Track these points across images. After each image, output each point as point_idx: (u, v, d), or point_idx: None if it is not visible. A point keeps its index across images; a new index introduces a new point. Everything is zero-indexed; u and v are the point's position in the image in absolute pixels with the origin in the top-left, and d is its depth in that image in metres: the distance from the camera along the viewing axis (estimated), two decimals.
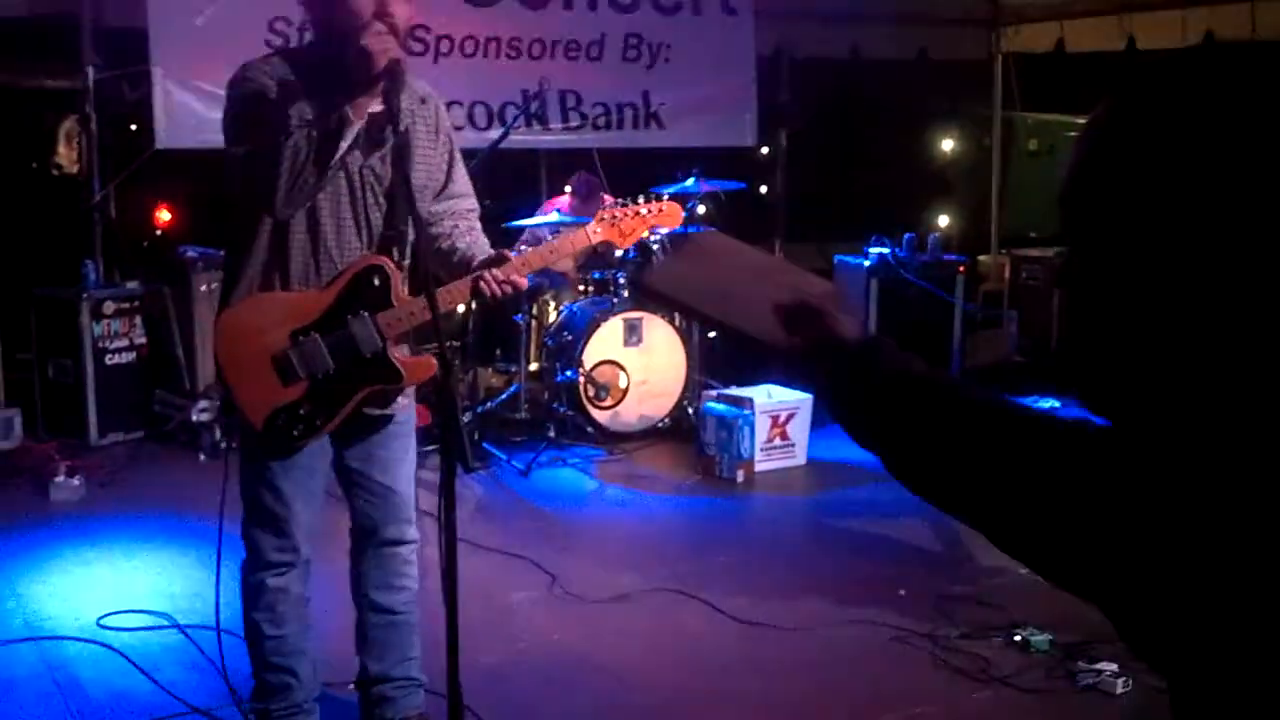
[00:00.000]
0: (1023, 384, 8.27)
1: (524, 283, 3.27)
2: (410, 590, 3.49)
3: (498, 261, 3.22)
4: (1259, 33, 8.53)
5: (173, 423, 6.89)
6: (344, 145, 2.96)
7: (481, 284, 3.19)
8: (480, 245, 3.35)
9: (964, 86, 11.95)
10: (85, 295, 6.81)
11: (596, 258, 7.32)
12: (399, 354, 3.23)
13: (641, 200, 3.52)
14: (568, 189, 7.87)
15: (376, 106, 3.05)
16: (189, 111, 7.20)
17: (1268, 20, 8.51)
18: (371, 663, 3.49)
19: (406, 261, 3.25)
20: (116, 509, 5.76)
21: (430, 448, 6.18)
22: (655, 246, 6.96)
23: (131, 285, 7.19)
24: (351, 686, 3.61)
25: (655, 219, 3.53)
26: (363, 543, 3.45)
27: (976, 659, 4.14)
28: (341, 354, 3.15)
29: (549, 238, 6.83)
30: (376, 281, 3.16)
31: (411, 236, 3.23)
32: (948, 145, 13.61)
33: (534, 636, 4.40)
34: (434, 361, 3.31)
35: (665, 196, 3.60)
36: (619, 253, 7.08)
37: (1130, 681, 3.92)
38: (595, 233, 3.46)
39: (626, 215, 3.47)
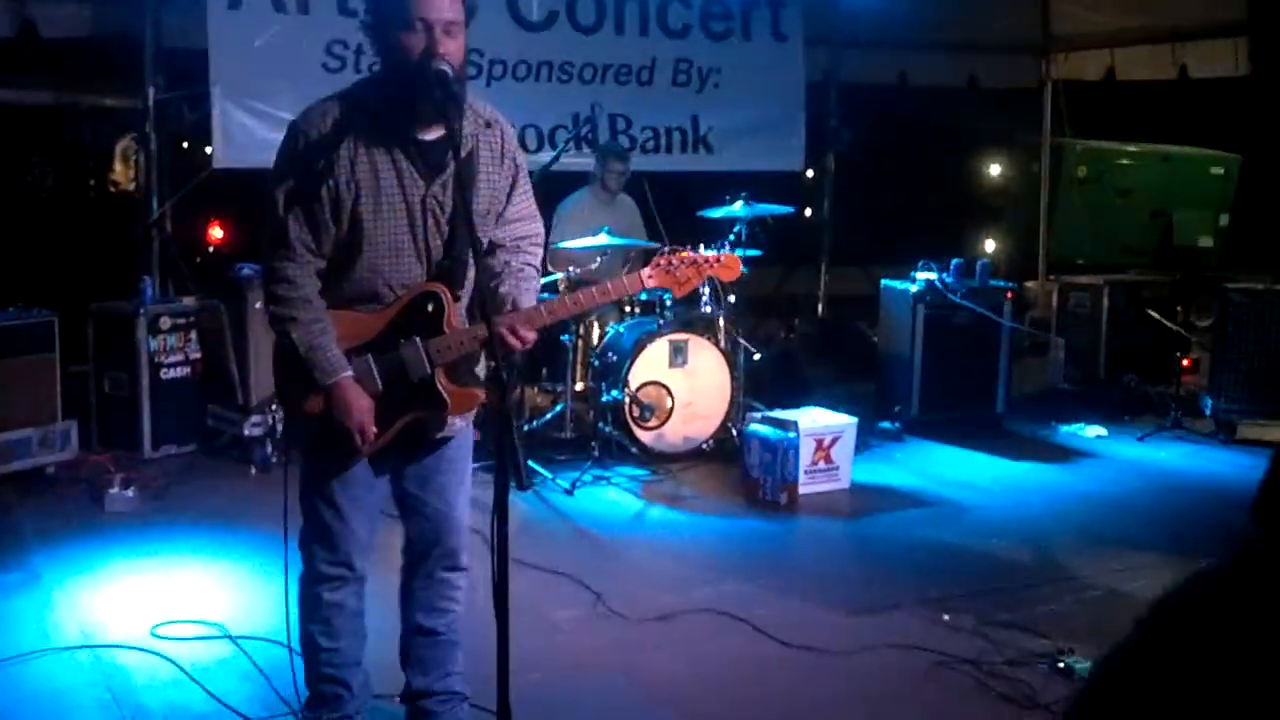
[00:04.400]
0: (1069, 411, 8.26)
1: (531, 337, 3.16)
2: (455, 613, 3.54)
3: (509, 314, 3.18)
4: None
5: (225, 437, 7.00)
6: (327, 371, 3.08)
7: (500, 338, 3.10)
8: (522, 289, 3.29)
9: (1014, 113, 11.93)
10: (142, 310, 6.93)
11: None
12: (446, 383, 3.24)
13: (701, 248, 3.46)
14: None
15: (437, 133, 3.12)
16: (246, 131, 7.36)
17: None
18: (415, 678, 3.55)
19: (465, 289, 3.27)
20: (169, 520, 5.86)
21: (478, 464, 6.29)
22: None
23: (187, 301, 7.32)
24: (398, 700, 3.67)
25: (712, 270, 3.46)
26: (415, 564, 3.50)
27: (1021, 685, 4.13)
28: (390, 377, 3.20)
29: (598, 260, 6.90)
30: (431, 308, 3.19)
31: (471, 264, 3.27)
32: (996, 171, 13.57)
33: (578, 654, 4.43)
34: (481, 394, 3.33)
35: (726, 248, 3.54)
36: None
37: None
38: (649, 278, 3.40)
39: (683, 264, 3.41)
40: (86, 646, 4.39)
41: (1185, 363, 8.24)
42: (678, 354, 7.04)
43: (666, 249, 3.45)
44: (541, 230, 3.52)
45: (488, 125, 3.26)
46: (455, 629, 3.55)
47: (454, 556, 3.49)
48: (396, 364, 3.19)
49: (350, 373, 3.13)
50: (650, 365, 6.96)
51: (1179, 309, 8.84)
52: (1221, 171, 13.26)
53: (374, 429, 3.17)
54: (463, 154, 3.11)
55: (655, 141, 8.95)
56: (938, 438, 7.65)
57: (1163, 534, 5.89)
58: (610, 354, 7.11)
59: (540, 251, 3.50)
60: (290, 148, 3.09)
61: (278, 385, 3.35)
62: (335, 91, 3.18)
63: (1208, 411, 7.79)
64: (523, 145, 8.27)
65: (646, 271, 3.41)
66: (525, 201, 3.42)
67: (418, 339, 3.19)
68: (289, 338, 3.09)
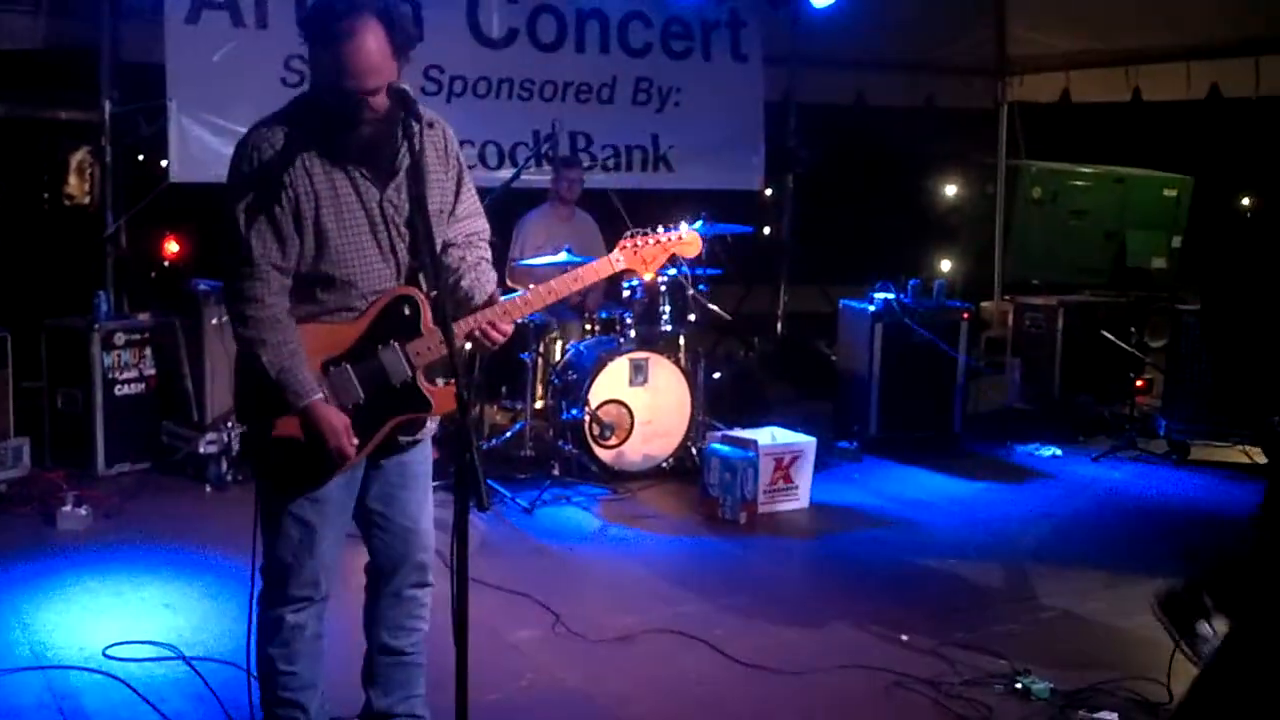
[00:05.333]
0: (1024, 431, 8.33)
1: (508, 330, 3.28)
2: (421, 632, 3.52)
3: (492, 303, 3.28)
4: (1262, 86, 8.63)
5: (180, 454, 6.92)
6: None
7: (476, 332, 3.24)
8: (482, 282, 3.36)
9: (970, 134, 12.06)
10: (96, 326, 6.85)
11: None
12: (427, 384, 3.26)
13: (661, 229, 3.57)
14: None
15: (380, 146, 3.13)
16: (203, 146, 7.31)
17: (1271, 74, 8.61)
18: (377, 698, 3.52)
19: (434, 292, 3.29)
20: (123, 539, 5.78)
21: (438, 483, 6.25)
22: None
23: (142, 317, 7.24)
24: (359, 717, 3.63)
25: (675, 246, 3.57)
26: (380, 584, 3.47)
27: (978, 706, 4.15)
28: (372, 384, 3.19)
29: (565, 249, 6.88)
30: (407, 311, 3.21)
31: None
32: (952, 191, 13.71)
33: (537, 675, 4.41)
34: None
35: (685, 223, 3.63)
36: (625, 293, 7.14)
37: None
38: (618, 260, 3.49)
39: (648, 243, 3.52)
40: (38, 668, 4.32)
41: (1139, 383, 8.34)
42: (638, 372, 7.04)
43: (630, 232, 3.53)
44: (488, 226, 3.53)
45: (430, 126, 3.24)
46: (421, 649, 3.53)
47: (422, 572, 3.47)
48: (377, 370, 3.19)
49: (321, 395, 3.10)
50: (610, 383, 6.96)
51: (1132, 330, 8.95)
52: (1174, 193, 13.47)
53: (353, 446, 3.15)
54: (409, 159, 3.13)
55: (616, 159, 8.97)
56: (895, 457, 7.69)
57: (1117, 554, 5.94)
58: (570, 372, 7.10)
59: (488, 246, 3.51)
60: (245, 164, 3.06)
61: (241, 406, 3.31)
62: (279, 109, 3.15)
63: (1161, 432, 7.88)
64: (483, 162, 8.41)
65: (614, 254, 3.48)
66: (472, 198, 3.45)
67: (396, 343, 3.19)
68: (258, 360, 3.05)
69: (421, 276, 3.25)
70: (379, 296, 3.19)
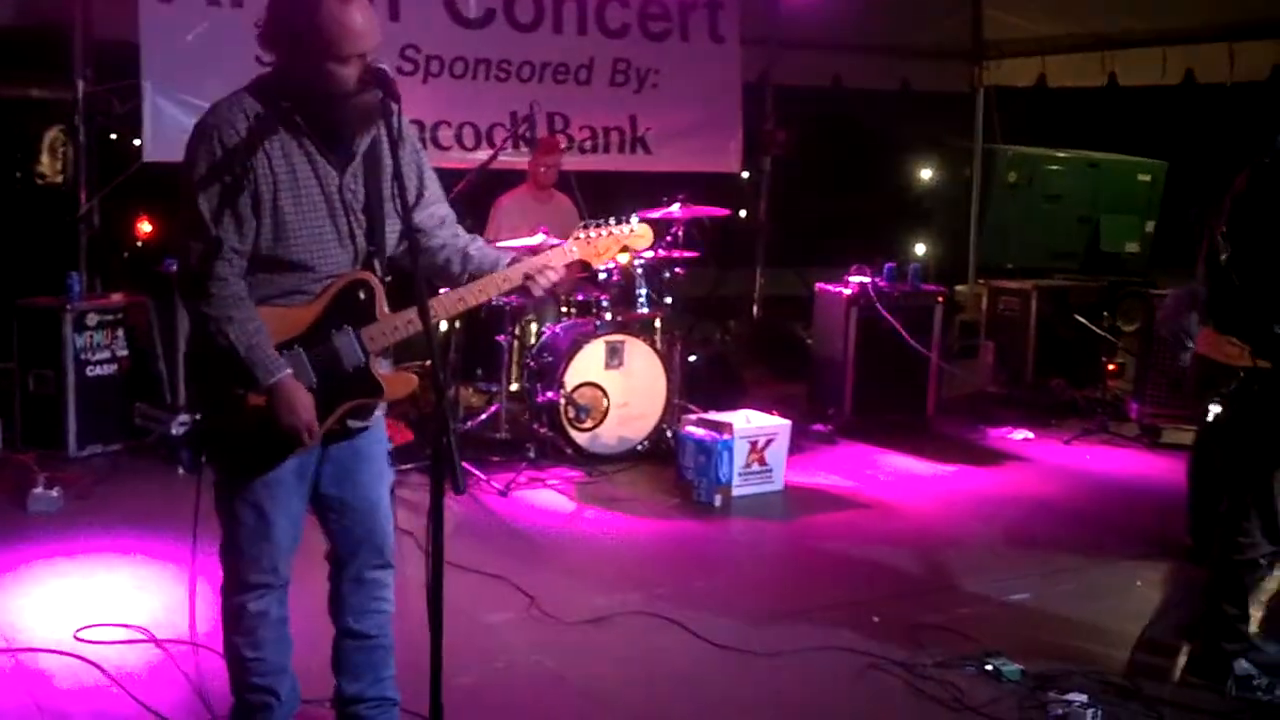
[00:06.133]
0: (997, 415, 8.37)
1: (564, 272, 3.41)
2: (386, 614, 3.51)
3: (522, 259, 3.35)
4: (1236, 71, 8.67)
5: (152, 436, 6.88)
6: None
7: (538, 275, 3.32)
8: (491, 250, 3.43)
9: (946, 118, 12.08)
10: (69, 307, 6.80)
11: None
12: (381, 369, 3.25)
13: (614, 221, 3.57)
14: None
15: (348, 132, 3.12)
16: (177, 125, 7.24)
17: (1246, 60, 8.65)
18: (346, 684, 3.50)
19: (389, 277, 3.28)
20: (94, 521, 5.75)
21: (408, 466, 6.26)
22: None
23: (115, 297, 7.19)
24: (329, 705, 3.63)
25: (627, 239, 3.57)
26: (341, 567, 3.45)
27: (949, 688, 4.18)
28: (324, 368, 3.17)
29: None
30: (362, 296, 3.19)
31: (395, 249, 3.27)
32: (928, 175, 13.73)
33: (511, 657, 4.42)
34: (415, 378, 3.36)
35: (636, 217, 3.62)
36: (600, 275, 7.14)
37: (1100, 713, 3.98)
38: (571, 251, 3.49)
39: (601, 235, 3.52)
40: (8, 650, 4.30)
41: (1111, 367, 8.39)
42: (613, 355, 7.04)
43: (584, 223, 3.55)
44: (452, 211, 3.53)
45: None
46: (387, 631, 3.52)
47: (380, 554, 3.45)
48: (330, 355, 3.17)
49: (290, 370, 3.09)
50: (586, 366, 6.96)
51: (1105, 314, 9.00)
52: (1148, 178, 13.52)
53: (317, 425, 3.14)
54: (367, 145, 3.14)
55: (593, 141, 8.94)
56: (869, 440, 7.72)
57: (1088, 536, 6.00)
58: (546, 354, 7.10)
59: (459, 228, 3.52)
60: (205, 144, 3.02)
61: (198, 389, 3.27)
62: (240, 88, 3.12)
63: (1133, 415, 7.94)
64: (460, 143, 8.39)
65: (569, 245, 3.49)
66: (435, 183, 3.45)
67: (349, 328, 3.18)
68: (225, 338, 3.02)
69: (376, 262, 3.23)
70: (334, 281, 3.17)
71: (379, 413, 3.38)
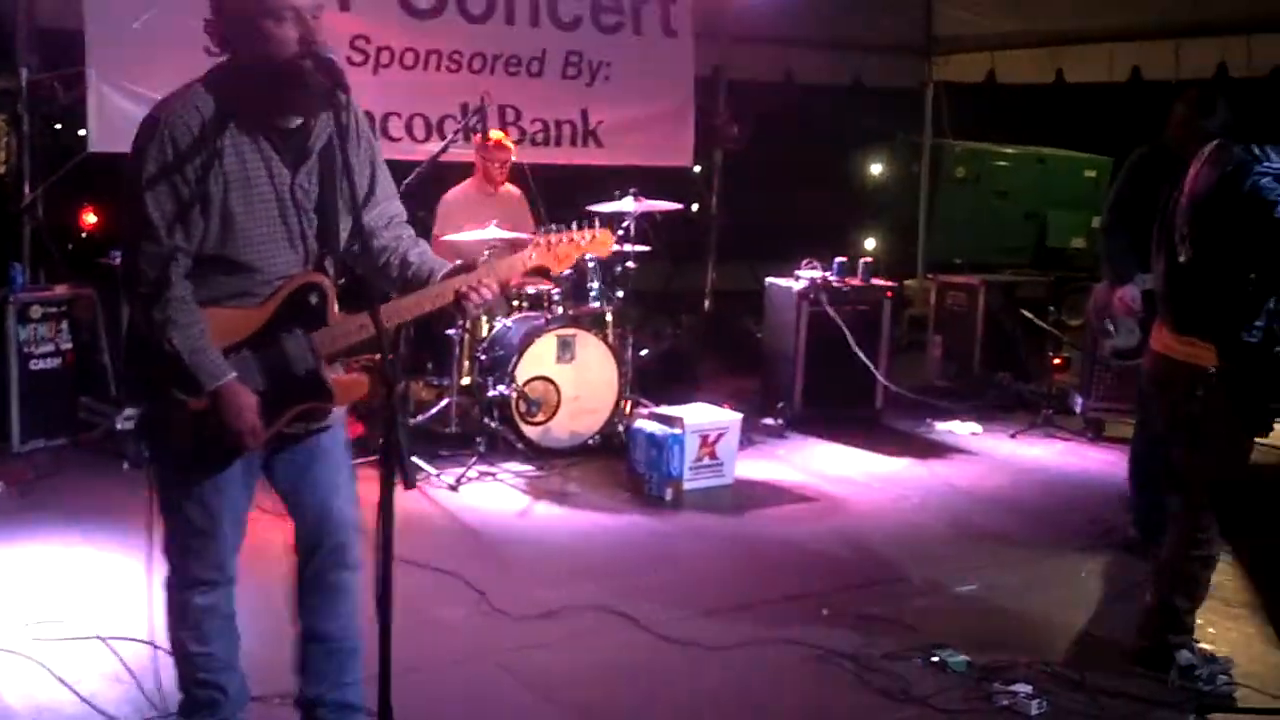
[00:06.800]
0: (944, 408, 8.45)
1: (497, 288, 3.23)
2: (350, 616, 3.43)
3: (467, 270, 3.20)
4: (1182, 68, 8.79)
5: (98, 430, 6.80)
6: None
7: (470, 291, 3.15)
8: (429, 257, 3.30)
9: (896, 113, 12.16)
10: (11, 298, 6.71)
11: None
12: (332, 373, 3.20)
13: (575, 226, 3.48)
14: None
15: (299, 120, 3.06)
16: (123, 115, 7.13)
17: (1191, 57, 8.78)
18: (307, 686, 3.46)
19: (342, 279, 3.23)
20: (39, 517, 5.68)
21: (360, 460, 6.21)
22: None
23: (59, 289, 7.09)
24: (279, 702, 3.60)
25: (588, 246, 3.47)
26: (303, 566, 3.40)
27: (896, 679, 4.23)
28: (272, 372, 3.11)
29: (485, 254, 6.86)
30: (314, 299, 3.13)
31: (345, 249, 3.22)
32: (878, 170, 13.82)
33: (461, 653, 4.42)
34: (365, 381, 3.29)
35: (597, 222, 3.52)
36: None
37: (1045, 703, 4.03)
38: (530, 258, 3.38)
39: (561, 241, 3.41)
40: None
41: (1056, 361, 8.49)
42: (565, 349, 7.04)
43: (544, 228, 3.47)
44: (404, 209, 3.45)
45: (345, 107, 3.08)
46: (352, 633, 3.44)
47: (341, 553, 3.38)
48: (279, 358, 3.12)
49: (235, 374, 3.04)
50: (537, 360, 6.95)
51: (1052, 309, 9.10)
52: (1094, 174, 13.70)
53: (262, 429, 3.09)
54: (325, 141, 3.06)
55: (545, 134, 8.91)
56: (819, 434, 7.77)
57: (1034, 528, 6.08)
58: (497, 348, 7.08)
59: (410, 228, 3.43)
60: (155, 142, 2.94)
61: (139, 387, 3.20)
62: (194, 80, 3.04)
63: (1077, 409, 8.04)
64: (410, 135, 8.33)
65: (528, 251, 3.37)
66: (388, 179, 3.37)
67: (300, 331, 3.12)
68: (170, 344, 2.96)
69: (328, 263, 3.18)
70: (284, 282, 3.11)
71: (338, 412, 3.32)
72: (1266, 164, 3.89)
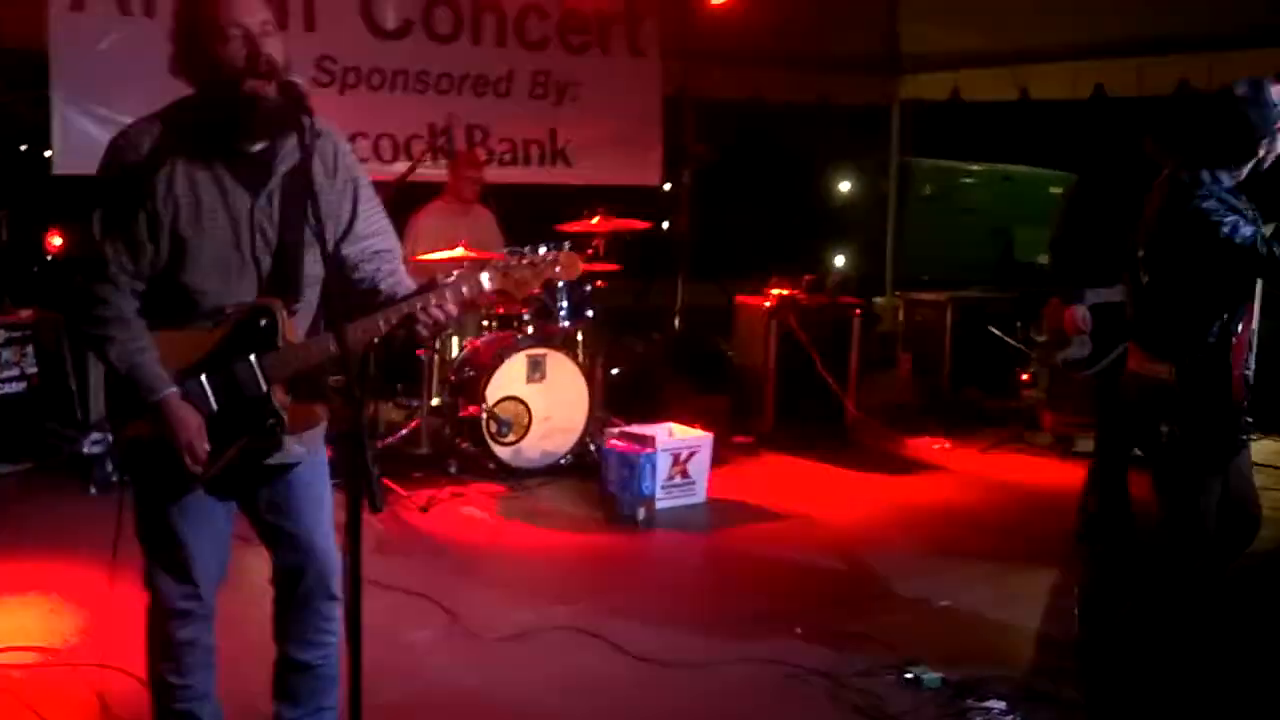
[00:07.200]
0: (914, 425, 8.48)
1: (455, 310, 3.08)
2: (330, 645, 3.40)
3: (426, 290, 3.08)
4: (1145, 86, 8.88)
5: (63, 455, 6.73)
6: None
7: (419, 312, 3.03)
8: (404, 284, 3.22)
9: (863, 131, 12.23)
10: None
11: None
12: (283, 399, 3.11)
13: (541, 249, 3.27)
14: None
15: (262, 144, 3.03)
16: (88, 137, 7.09)
17: (1153, 75, 8.87)
18: (285, 710, 3.44)
19: (300, 304, 3.15)
20: (4, 541, 5.60)
21: (332, 482, 6.17)
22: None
23: (24, 313, 7.03)
24: None
25: (550, 271, 3.21)
26: (284, 595, 3.37)
27: (870, 697, 4.22)
28: (224, 396, 3.07)
29: (454, 274, 6.81)
30: (264, 323, 3.07)
31: (313, 275, 3.15)
32: (846, 188, 13.89)
33: (434, 675, 4.39)
34: (319, 411, 3.22)
35: (565, 246, 3.35)
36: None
37: (1019, 718, 4.04)
38: (489, 283, 3.14)
39: (520, 264, 3.17)
40: None
41: (1024, 377, 8.54)
42: (535, 369, 7.03)
43: (506, 251, 3.37)
44: (399, 246, 3.41)
45: (318, 135, 3.00)
46: (331, 661, 3.42)
47: (322, 583, 3.34)
48: (229, 383, 3.07)
49: (175, 388, 3.00)
50: (508, 380, 6.93)
51: (1019, 324, 9.15)
52: (1060, 190, 13.79)
53: (205, 447, 3.03)
54: (290, 166, 3.03)
55: (513, 154, 8.92)
56: (790, 451, 7.78)
57: (1005, 543, 6.10)
58: (467, 369, 7.06)
59: (400, 264, 3.35)
60: (108, 166, 2.96)
61: (108, 408, 3.19)
62: (156, 111, 3.04)
63: (1046, 425, 8.09)
64: (377, 156, 8.30)
65: (487, 276, 3.13)
66: (376, 215, 3.29)
67: (251, 356, 3.07)
68: (105, 358, 2.97)
69: (291, 289, 3.11)
70: (237, 308, 3.07)
71: (301, 448, 3.23)
72: (1211, 186, 3.95)
